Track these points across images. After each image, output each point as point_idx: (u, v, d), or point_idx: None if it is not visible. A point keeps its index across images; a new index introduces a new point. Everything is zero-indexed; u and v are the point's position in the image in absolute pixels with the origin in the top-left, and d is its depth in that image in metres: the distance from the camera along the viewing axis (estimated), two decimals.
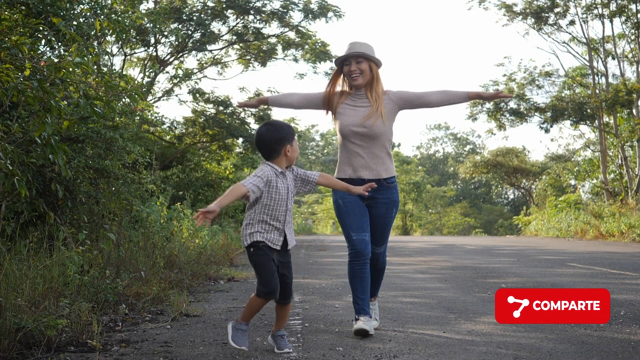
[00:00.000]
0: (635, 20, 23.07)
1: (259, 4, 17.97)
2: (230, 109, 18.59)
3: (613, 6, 23.26)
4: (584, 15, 24.31)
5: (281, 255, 3.61)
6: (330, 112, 4.29)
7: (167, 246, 7.26)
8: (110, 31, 5.75)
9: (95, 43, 7.35)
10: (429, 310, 5.08)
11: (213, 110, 18.77)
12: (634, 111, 23.34)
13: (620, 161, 24.92)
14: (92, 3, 6.61)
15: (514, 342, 3.84)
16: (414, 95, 4.22)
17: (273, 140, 3.59)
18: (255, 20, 18.56)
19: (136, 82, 13.90)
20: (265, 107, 18.69)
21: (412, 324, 4.49)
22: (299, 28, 18.54)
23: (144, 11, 12.68)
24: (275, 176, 3.59)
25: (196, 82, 18.34)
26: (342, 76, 4.29)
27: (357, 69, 4.16)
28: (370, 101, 4.18)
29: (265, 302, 3.57)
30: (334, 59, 4.36)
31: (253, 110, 18.74)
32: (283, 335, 3.66)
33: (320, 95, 4.29)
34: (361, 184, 4.04)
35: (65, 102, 5.22)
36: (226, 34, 18.81)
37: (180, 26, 17.53)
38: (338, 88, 4.30)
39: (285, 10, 18.09)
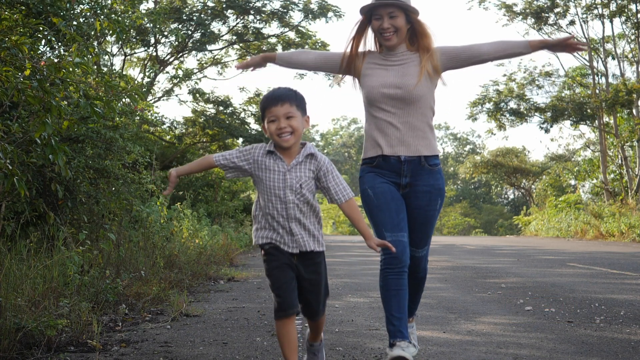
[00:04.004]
0: (635, 20, 23.07)
1: (259, 4, 17.99)
2: (230, 109, 18.61)
3: (613, 6, 23.27)
4: (584, 16, 24.33)
5: (302, 260, 2.86)
6: (352, 78, 3.43)
7: (167, 246, 7.27)
8: (110, 31, 5.75)
9: (95, 43, 7.35)
10: (429, 310, 5.08)
11: (213, 110, 18.79)
12: (634, 111, 23.35)
13: (620, 161, 24.93)
14: (92, 3, 6.61)
15: (514, 342, 3.84)
16: (460, 49, 3.32)
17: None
18: (255, 20, 18.58)
19: (136, 82, 13.90)
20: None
21: None
22: (299, 28, 18.56)
23: (144, 11, 12.68)
24: (264, 155, 2.86)
25: (196, 82, 18.37)
26: (367, 32, 3.38)
27: (390, 27, 3.23)
28: (411, 56, 3.30)
29: (287, 323, 2.80)
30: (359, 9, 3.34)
31: (253, 109, 18.72)
32: (317, 351, 3.09)
33: (339, 56, 3.42)
34: (395, 162, 3.24)
35: (65, 102, 5.23)
36: (226, 34, 18.83)
37: (180, 26, 17.55)
38: (360, 48, 3.40)
39: (285, 10, 18.10)
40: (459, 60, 3.31)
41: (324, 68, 3.47)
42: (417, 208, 3.28)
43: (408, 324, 3.38)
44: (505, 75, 26.64)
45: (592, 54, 24.88)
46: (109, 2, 7.14)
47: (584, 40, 24.86)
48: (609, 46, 24.84)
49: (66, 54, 5.52)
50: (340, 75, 3.47)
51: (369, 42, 3.40)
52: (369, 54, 3.38)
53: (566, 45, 3.27)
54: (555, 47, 3.30)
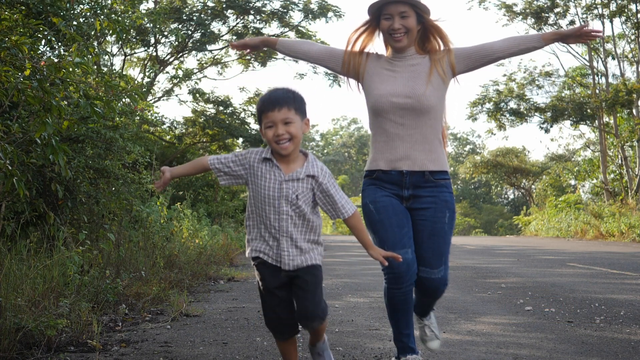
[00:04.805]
0: (635, 20, 23.08)
1: (259, 4, 18.00)
2: (230, 109, 18.62)
3: (613, 6, 23.27)
4: (584, 16, 24.32)
5: (297, 271, 2.69)
6: (352, 79, 3.19)
7: (167, 246, 7.26)
8: (110, 31, 5.75)
9: (95, 43, 7.35)
10: None
11: (213, 110, 18.80)
12: (634, 111, 23.36)
13: (620, 161, 24.94)
14: (92, 3, 6.61)
15: (514, 342, 3.84)
16: (472, 49, 3.11)
17: None
18: (255, 20, 18.58)
19: (136, 82, 13.90)
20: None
21: None
22: (299, 28, 18.56)
23: (144, 11, 12.68)
24: (260, 162, 2.70)
25: (196, 82, 18.39)
26: (374, 33, 3.15)
27: (401, 27, 3.02)
28: (421, 61, 3.09)
29: (284, 341, 2.81)
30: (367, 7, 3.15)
31: (252, 109, 18.72)
32: (322, 351, 2.92)
33: (344, 54, 3.19)
34: (396, 175, 3.04)
35: (65, 102, 5.23)
36: (226, 34, 18.83)
37: (180, 26, 17.56)
38: (366, 49, 3.18)
39: (285, 10, 18.11)
40: (471, 60, 3.10)
41: (326, 63, 3.22)
42: (423, 219, 3.04)
43: (426, 317, 3.28)
44: (505, 75, 26.67)
45: (592, 54, 24.89)
46: (109, 2, 7.14)
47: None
48: (609, 46, 24.86)
49: (66, 54, 5.52)
50: (345, 78, 3.25)
51: (376, 45, 3.18)
52: (375, 57, 3.16)
53: (580, 35, 3.06)
54: (569, 37, 3.10)
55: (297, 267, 2.66)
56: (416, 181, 3.03)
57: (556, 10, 24.55)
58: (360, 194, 3.18)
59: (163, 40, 17.72)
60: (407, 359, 3.05)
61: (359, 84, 3.18)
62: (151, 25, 13.83)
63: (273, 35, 18.96)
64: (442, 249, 3.04)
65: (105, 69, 9.95)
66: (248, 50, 3.33)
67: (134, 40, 16.48)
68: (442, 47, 3.10)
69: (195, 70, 18.16)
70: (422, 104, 2.99)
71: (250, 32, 18.73)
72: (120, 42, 15.06)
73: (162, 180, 2.76)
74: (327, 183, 2.70)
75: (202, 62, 19.45)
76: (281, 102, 2.63)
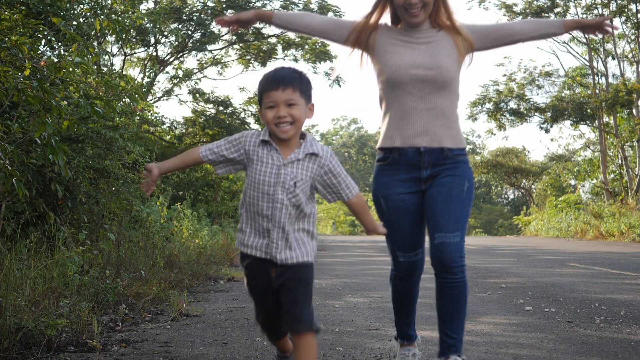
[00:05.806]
0: (635, 20, 23.09)
1: (259, 4, 17.99)
2: (230, 109, 18.63)
3: (613, 6, 23.30)
4: (584, 16, 24.32)
5: (286, 270, 2.50)
6: (358, 51, 3.01)
7: (167, 246, 7.26)
8: (110, 31, 5.75)
9: (95, 43, 7.36)
10: (429, 310, 5.08)
11: (213, 111, 18.80)
12: (634, 111, 23.38)
13: (620, 161, 24.95)
14: (92, 3, 6.61)
15: (514, 342, 3.84)
16: (490, 27, 3.00)
17: None
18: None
19: (136, 82, 13.91)
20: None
21: None
22: None
23: (144, 11, 12.69)
24: (256, 145, 2.50)
25: (196, 82, 18.40)
26: (385, 8, 2.99)
27: (419, 1, 2.84)
28: (437, 34, 2.94)
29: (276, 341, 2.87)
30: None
31: (252, 110, 18.71)
32: None
33: (351, 24, 3.00)
34: (414, 155, 2.89)
35: (65, 102, 5.23)
36: (226, 34, 18.84)
37: (180, 26, 17.56)
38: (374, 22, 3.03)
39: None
40: (489, 39, 2.98)
41: (330, 35, 3.02)
42: (440, 186, 2.88)
43: (456, 353, 3.04)
44: (505, 75, 26.73)
45: (592, 54, 24.90)
46: (109, 2, 7.15)
47: (584, 39, 24.88)
48: (609, 46, 24.89)
49: (66, 54, 5.52)
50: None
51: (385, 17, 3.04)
52: (385, 28, 2.99)
53: (601, 26, 3.01)
54: (589, 27, 3.03)
55: (286, 262, 2.47)
56: (435, 159, 2.90)
57: (556, 10, 24.57)
58: (372, 180, 3.05)
59: (163, 40, 17.73)
60: (404, 345, 3.24)
61: (366, 56, 3.02)
62: (151, 25, 13.83)
63: (273, 35, 18.96)
64: (458, 214, 2.87)
65: (105, 69, 9.96)
66: (235, 27, 3.12)
67: (134, 40, 16.48)
68: (454, 24, 2.95)
69: (195, 70, 18.17)
70: (443, 76, 2.88)
71: (250, 31, 18.74)
72: (120, 42, 15.06)
73: (151, 179, 2.62)
74: (332, 162, 2.53)
75: (202, 62, 19.46)
76: (286, 82, 2.44)
